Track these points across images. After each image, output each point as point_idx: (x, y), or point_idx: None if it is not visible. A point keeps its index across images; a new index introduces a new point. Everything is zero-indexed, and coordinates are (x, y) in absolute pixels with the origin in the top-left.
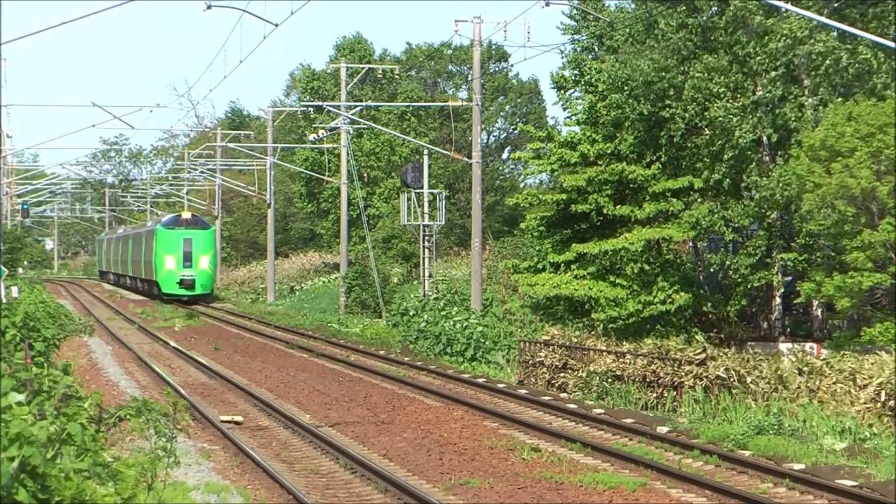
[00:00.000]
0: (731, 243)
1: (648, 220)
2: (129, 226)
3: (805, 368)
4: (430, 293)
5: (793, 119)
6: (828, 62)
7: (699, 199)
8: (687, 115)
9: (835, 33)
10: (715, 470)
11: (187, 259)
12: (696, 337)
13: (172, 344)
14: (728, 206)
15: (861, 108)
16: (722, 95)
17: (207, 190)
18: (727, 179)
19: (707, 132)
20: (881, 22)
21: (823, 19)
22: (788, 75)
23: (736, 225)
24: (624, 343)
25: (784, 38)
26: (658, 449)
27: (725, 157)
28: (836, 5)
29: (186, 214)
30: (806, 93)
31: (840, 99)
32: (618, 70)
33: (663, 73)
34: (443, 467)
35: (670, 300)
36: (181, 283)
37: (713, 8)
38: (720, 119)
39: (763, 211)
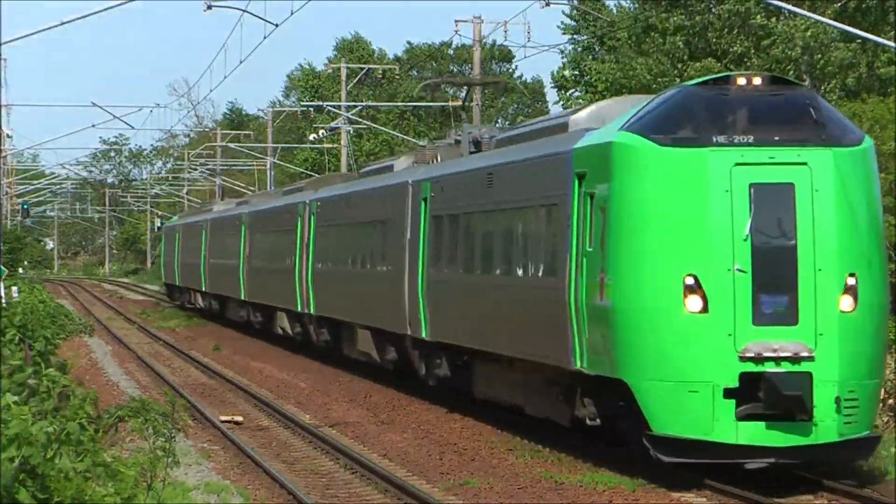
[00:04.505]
0: None
1: None
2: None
3: None
4: None
5: None
6: (850, 80)
7: None
8: None
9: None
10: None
11: (782, 273)
12: None
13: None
14: None
15: (866, 106)
16: None
17: (207, 190)
18: None
19: None
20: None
21: (828, 21)
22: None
23: None
24: None
25: (794, 46)
26: None
27: None
28: (840, 5)
29: (759, 79)
30: None
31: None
32: (615, 73)
33: (660, 79)
34: (443, 467)
35: None
36: (771, 389)
37: (712, 9)
38: None
39: None
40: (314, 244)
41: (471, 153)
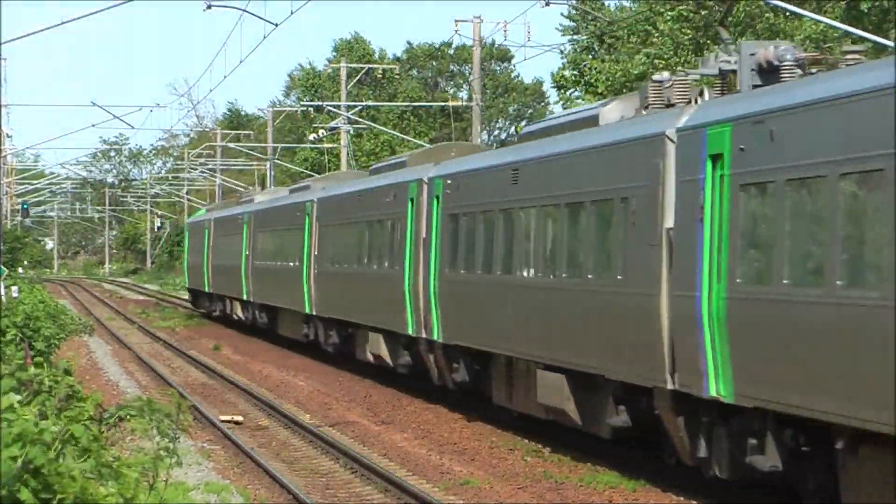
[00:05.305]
0: None
1: None
2: None
3: None
4: None
5: None
6: None
7: None
8: None
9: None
10: None
11: None
12: None
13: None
14: None
15: None
16: None
17: (207, 190)
18: None
19: None
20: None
21: (831, 21)
22: None
23: None
24: None
25: (805, 42)
26: None
27: None
28: (844, 3)
29: None
30: None
31: None
32: (615, 72)
33: (656, 62)
34: (443, 467)
35: None
36: None
37: (717, 10)
38: None
39: None
40: (439, 241)
41: (754, 87)
